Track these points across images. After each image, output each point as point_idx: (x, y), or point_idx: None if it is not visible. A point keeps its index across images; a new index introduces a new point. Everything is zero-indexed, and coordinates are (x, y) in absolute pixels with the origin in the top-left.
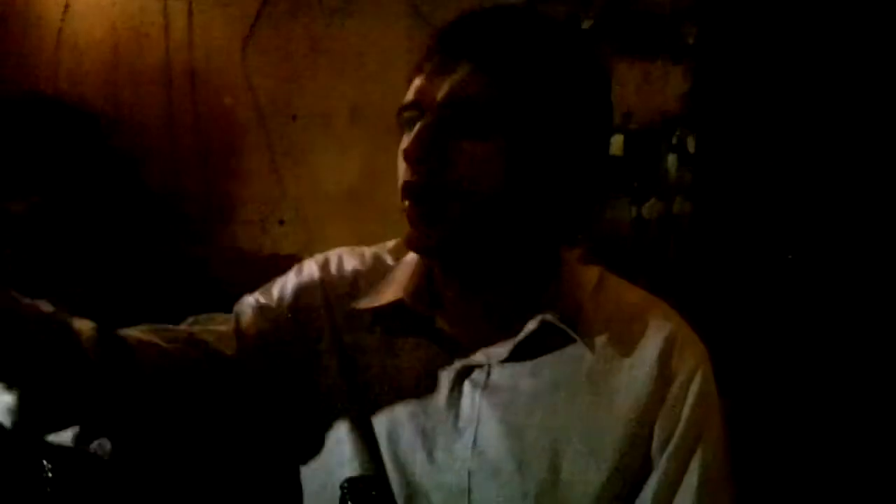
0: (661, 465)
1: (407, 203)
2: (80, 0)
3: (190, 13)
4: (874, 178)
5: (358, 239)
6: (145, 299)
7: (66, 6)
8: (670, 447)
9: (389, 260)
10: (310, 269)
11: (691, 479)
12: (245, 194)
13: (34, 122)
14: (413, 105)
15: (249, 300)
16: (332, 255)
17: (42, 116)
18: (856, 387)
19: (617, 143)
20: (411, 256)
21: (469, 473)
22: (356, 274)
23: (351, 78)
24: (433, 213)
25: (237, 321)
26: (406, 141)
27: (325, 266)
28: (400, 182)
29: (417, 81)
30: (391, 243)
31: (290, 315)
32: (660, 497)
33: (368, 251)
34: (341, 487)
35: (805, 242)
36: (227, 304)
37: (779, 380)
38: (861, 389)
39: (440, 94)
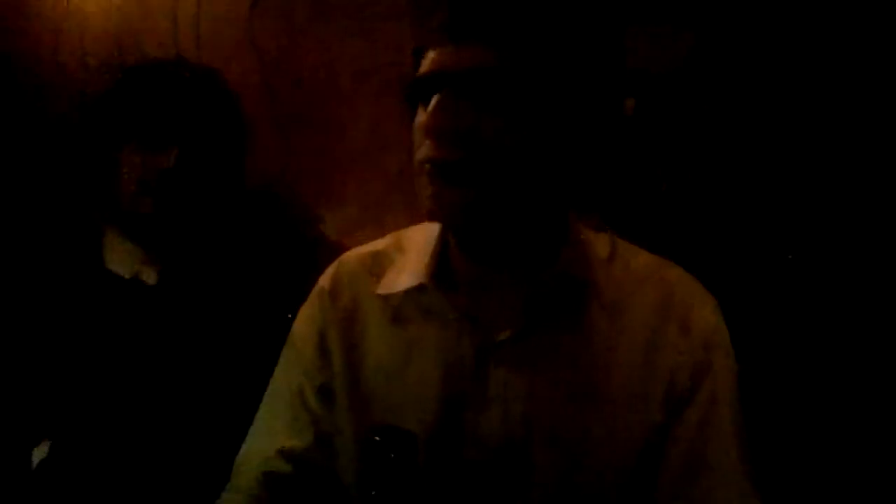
0: (691, 413)
1: (426, 176)
2: None
3: None
4: (881, 142)
5: (365, 201)
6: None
7: None
8: (699, 397)
9: (391, 252)
10: (316, 290)
11: (721, 420)
12: (252, 159)
13: (189, 86)
14: (431, 77)
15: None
16: (335, 266)
17: (196, 83)
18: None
19: (627, 104)
20: (419, 244)
21: (499, 449)
22: (364, 271)
23: (354, 40)
24: (455, 185)
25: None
26: (424, 115)
27: (329, 279)
28: (419, 156)
29: (432, 55)
30: (387, 238)
31: (319, 354)
32: (688, 448)
33: (373, 246)
34: (373, 439)
35: (810, 209)
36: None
37: (783, 355)
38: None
39: (459, 68)
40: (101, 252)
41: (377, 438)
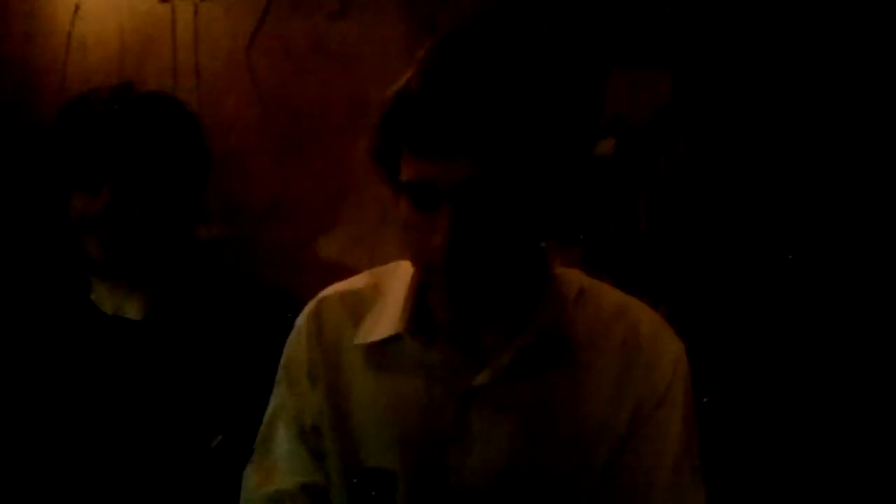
0: (646, 430)
1: (440, 280)
2: (90, 1)
3: (196, 13)
4: (864, 178)
5: (359, 228)
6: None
7: (77, 7)
8: (655, 420)
9: (369, 294)
10: (299, 330)
11: (672, 435)
12: (250, 189)
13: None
14: (425, 186)
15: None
16: (316, 305)
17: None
18: (841, 388)
19: (609, 144)
20: (396, 288)
21: (481, 490)
22: (345, 314)
23: (350, 76)
24: (465, 286)
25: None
26: (413, 213)
27: (312, 318)
28: (422, 261)
29: (422, 164)
30: (364, 277)
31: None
32: (635, 460)
33: (352, 286)
34: (352, 481)
35: (794, 243)
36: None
37: (764, 381)
38: (846, 391)
39: (457, 184)
40: (88, 285)
41: (355, 480)
